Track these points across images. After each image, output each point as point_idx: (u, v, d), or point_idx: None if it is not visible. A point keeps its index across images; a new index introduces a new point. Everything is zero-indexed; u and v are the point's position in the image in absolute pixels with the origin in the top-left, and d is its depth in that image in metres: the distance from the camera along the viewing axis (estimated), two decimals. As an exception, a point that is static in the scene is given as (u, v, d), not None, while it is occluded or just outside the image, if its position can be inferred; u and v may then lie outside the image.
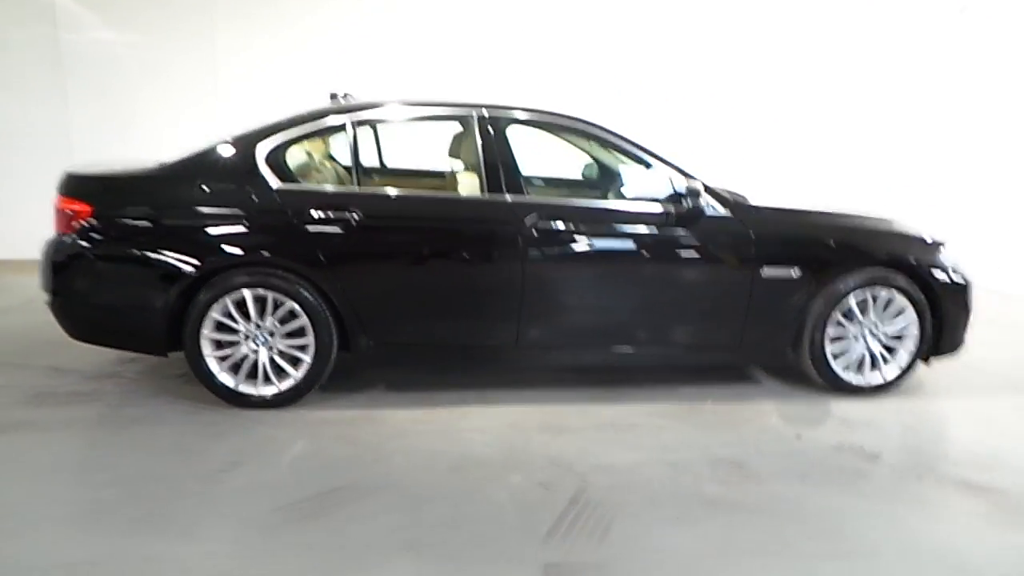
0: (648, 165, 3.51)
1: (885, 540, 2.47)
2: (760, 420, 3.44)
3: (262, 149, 3.31)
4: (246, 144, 3.33)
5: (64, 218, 3.26)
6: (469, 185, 3.53)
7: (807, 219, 3.63)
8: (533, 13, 6.60)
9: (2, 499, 2.57)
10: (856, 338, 3.67)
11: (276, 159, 3.33)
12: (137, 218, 3.23)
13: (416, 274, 3.37)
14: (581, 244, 3.38)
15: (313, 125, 3.39)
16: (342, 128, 3.42)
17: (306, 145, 3.56)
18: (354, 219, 3.24)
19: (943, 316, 3.66)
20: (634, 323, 3.55)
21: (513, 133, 3.49)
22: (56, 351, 4.06)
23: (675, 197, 3.44)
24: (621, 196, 3.57)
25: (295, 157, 3.47)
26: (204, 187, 3.26)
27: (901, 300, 3.62)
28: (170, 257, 3.20)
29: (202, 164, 3.31)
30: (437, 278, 3.39)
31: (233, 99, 6.38)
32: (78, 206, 3.22)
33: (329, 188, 3.40)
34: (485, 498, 2.68)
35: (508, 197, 3.36)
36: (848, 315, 3.62)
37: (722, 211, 3.46)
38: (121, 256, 3.26)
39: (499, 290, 3.39)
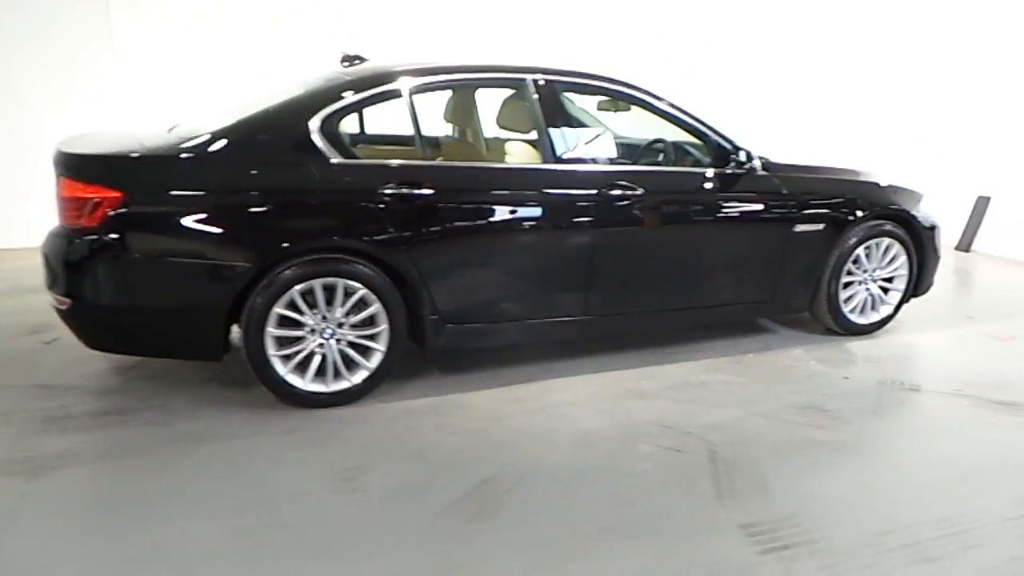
0: (695, 128, 3.59)
1: (980, 456, 2.85)
2: (802, 366, 3.74)
3: (316, 122, 2.94)
4: (296, 116, 2.96)
5: (79, 207, 2.70)
6: (526, 153, 3.41)
7: (825, 175, 3.92)
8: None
9: (132, 544, 2.15)
10: (861, 283, 4.08)
11: (331, 132, 2.98)
12: (183, 205, 2.75)
13: (489, 248, 3.21)
14: (646, 209, 3.41)
15: (368, 93, 3.07)
16: (397, 95, 3.12)
17: (357, 115, 3.22)
18: (427, 194, 3.01)
19: (923, 260, 4.16)
20: (691, 284, 3.67)
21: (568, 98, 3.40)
22: (25, 365, 3.41)
23: (724, 159, 3.57)
24: (674, 160, 3.64)
25: (347, 128, 3.12)
26: (256, 166, 2.85)
27: (896, 247, 4.06)
28: (227, 249, 2.80)
29: (250, 141, 2.89)
30: (511, 252, 3.25)
31: (132, 63, 5.53)
32: (104, 193, 2.67)
33: (397, 162, 3.10)
34: (633, 470, 2.70)
35: (577, 166, 3.30)
36: (856, 262, 4.00)
37: (763, 172, 3.64)
38: (165, 251, 2.77)
39: (570, 261, 3.34)
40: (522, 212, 3.21)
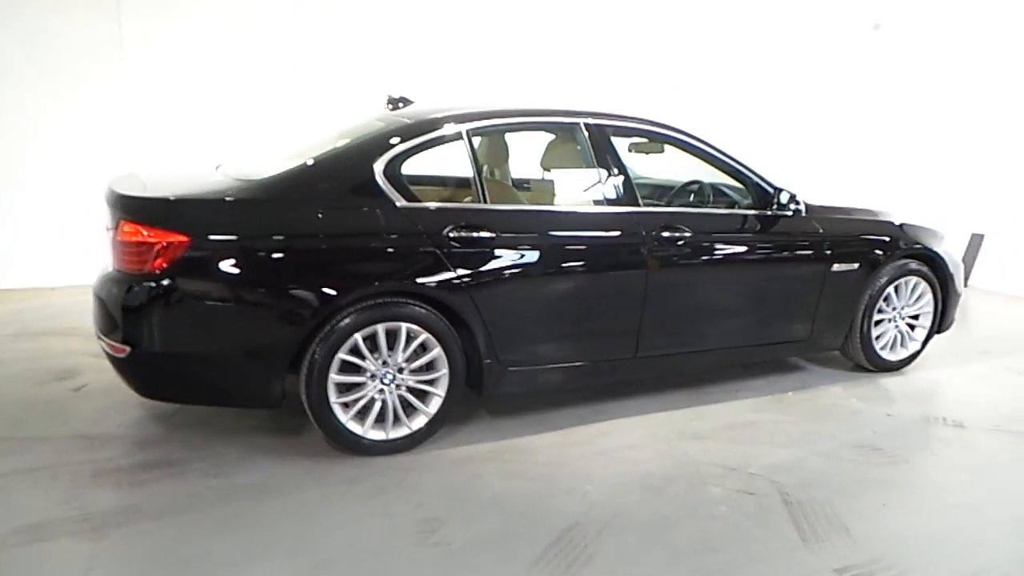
0: (737, 170, 3.66)
1: (1040, 493, 2.90)
2: (844, 404, 3.78)
3: (380, 165, 2.92)
4: (361, 159, 2.93)
5: (142, 252, 2.62)
6: (575, 196, 3.42)
7: (857, 216, 4.01)
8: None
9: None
10: (890, 320, 4.17)
11: (394, 175, 2.96)
12: (251, 250, 2.69)
13: (546, 291, 3.20)
14: (694, 250, 3.44)
15: (429, 136, 3.06)
16: (457, 138, 3.13)
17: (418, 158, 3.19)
18: (489, 236, 3.00)
19: (946, 298, 4.27)
20: (736, 324, 3.70)
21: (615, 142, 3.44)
22: (58, 414, 3.26)
23: (765, 201, 3.64)
24: (712, 201, 3.69)
25: (408, 172, 3.10)
26: (324, 210, 2.81)
27: (923, 285, 4.17)
28: (295, 294, 2.73)
29: (316, 184, 2.86)
30: (566, 294, 3.24)
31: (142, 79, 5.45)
32: (171, 237, 2.60)
33: (461, 205, 3.09)
34: (710, 514, 2.67)
35: (630, 208, 3.33)
36: (886, 300, 4.09)
37: (804, 213, 3.72)
38: (231, 296, 2.70)
39: (624, 302, 3.34)
40: (579, 254, 3.22)
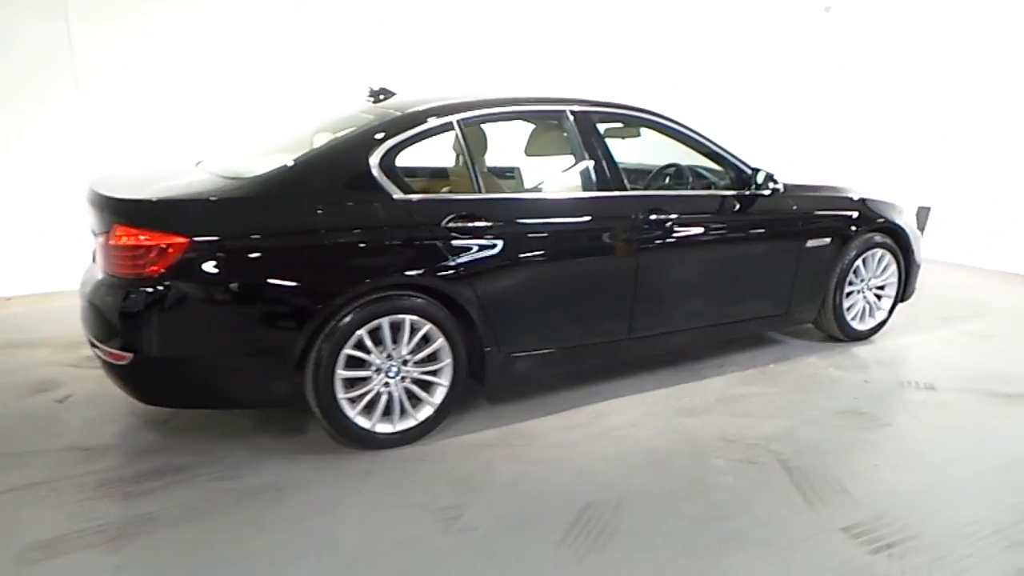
0: (716, 152, 3.77)
1: (1014, 444, 3.11)
2: (823, 373, 3.96)
3: (375, 158, 2.92)
4: (357, 153, 2.91)
5: (139, 255, 2.55)
6: (566, 183, 3.47)
7: (826, 194, 4.18)
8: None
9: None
10: (858, 292, 4.37)
11: (389, 167, 2.95)
12: (251, 248, 2.65)
13: (544, 277, 3.24)
14: (681, 232, 3.54)
15: (420, 127, 3.06)
16: (448, 128, 3.14)
17: (409, 150, 3.18)
18: (486, 226, 3.03)
19: (908, 268, 4.50)
20: (720, 301, 3.82)
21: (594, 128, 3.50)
22: (47, 426, 3.16)
23: (743, 182, 3.77)
24: (691, 183, 3.80)
25: (402, 164, 3.09)
26: (323, 205, 2.79)
27: (888, 256, 4.38)
28: (299, 290, 2.70)
29: (313, 179, 2.83)
30: (563, 279, 3.29)
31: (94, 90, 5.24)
32: (169, 239, 2.54)
33: (457, 196, 3.10)
34: (717, 485, 2.78)
35: (619, 192, 3.40)
36: (855, 273, 4.28)
37: (781, 191, 3.86)
38: (234, 296, 2.65)
39: (617, 284, 3.42)
40: (573, 239, 3.28)
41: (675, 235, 3.51)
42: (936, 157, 7.16)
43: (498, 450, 3.03)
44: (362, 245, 2.81)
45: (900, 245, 4.41)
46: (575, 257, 3.30)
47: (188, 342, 2.65)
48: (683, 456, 3.01)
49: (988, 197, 6.83)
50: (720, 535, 2.44)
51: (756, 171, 3.78)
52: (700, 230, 3.62)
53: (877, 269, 4.38)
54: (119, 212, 2.62)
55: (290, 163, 2.87)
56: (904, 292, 4.56)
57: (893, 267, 4.42)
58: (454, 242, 2.96)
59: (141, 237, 2.55)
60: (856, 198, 4.27)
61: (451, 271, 2.96)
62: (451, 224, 2.96)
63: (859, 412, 3.45)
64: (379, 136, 2.96)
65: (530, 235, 3.15)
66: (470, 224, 3.00)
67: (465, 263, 2.99)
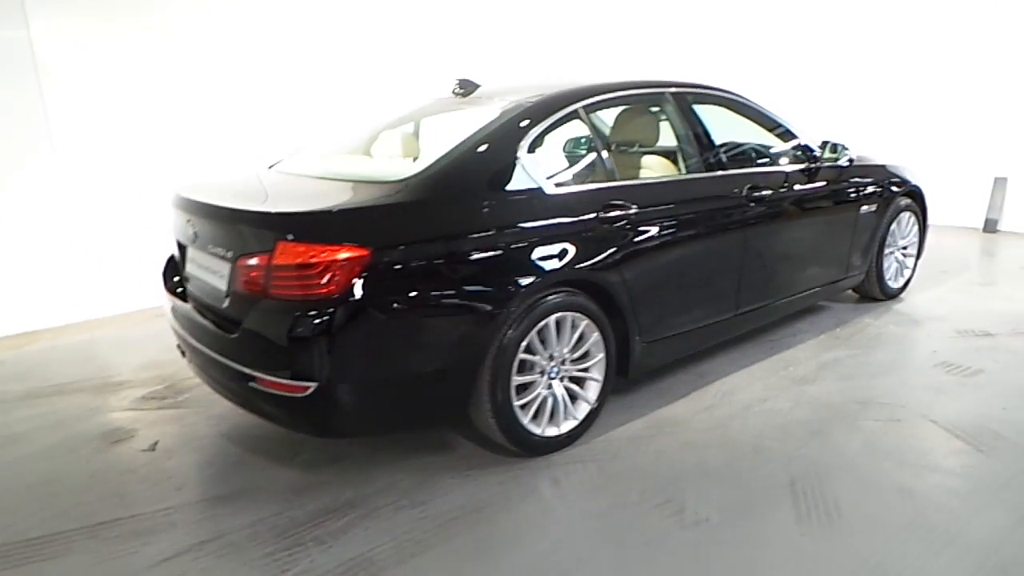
0: (784, 128, 3.90)
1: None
2: (886, 331, 4.21)
3: (522, 152, 2.77)
4: (505, 147, 2.75)
5: (315, 274, 2.27)
6: (660, 164, 3.45)
7: (867, 164, 4.40)
8: None
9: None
10: (891, 253, 4.66)
11: (535, 160, 2.81)
12: (427, 255, 2.42)
13: (675, 260, 3.20)
14: (774, 206, 3.62)
15: (557, 115, 2.93)
16: (576, 116, 3.03)
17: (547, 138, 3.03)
18: (633, 213, 2.96)
19: (923, 228, 4.86)
20: (802, 270, 3.95)
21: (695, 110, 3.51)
22: (161, 480, 2.78)
23: (808, 156, 3.91)
24: (764, 160, 3.90)
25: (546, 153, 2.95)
26: (487, 203, 2.61)
27: (912, 219, 4.70)
28: (484, 294, 2.52)
29: (470, 177, 2.64)
30: (691, 260, 3.28)
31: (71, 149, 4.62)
32: (349, 252, 2.29)
33: (602, 185, 2.98)
34: (888, 444, 2.88)
35: (726, 172, 3.43)
36: (890, 235, 4.56)
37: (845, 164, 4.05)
38: (420, 309, 2.42)
39: (729, 262, 3.46)
40: (699, 220, 3.28)
41: (770, 210, 3.59)
42: (1013, 128, 6.99)
43: (659, 439, 2.99)
44: (528, 243, 2.66)
45: (920, 207, 4.74)
46: (700, 238, 3.29)
47: (375, 364, 2.40)
48: (833, 422, 3.09)
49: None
50: (942, 484, 2.54)
51: (826, 143, 3.94)
52: (788, 203, 3.73)
53: (905, 230, 4.69)
54: (286, 227, 2.32)
55: (445, 160, 2.66)
56: (919, 250, 4.92)
57: (916, 228, 4.76)
58: (605, 232, 2.88)
59: (320, 252, 2.28)
60: (883, 165, 4.54)
61: (606, 262, 2.87)
62: (601, 214, 2.87)
63: (948, 363, 3.69)
64: (519, 130, 2.81)
65: (666, 218, 3.12)
66: (618, 212, 2.92)
67: (616, 253, 2.91)
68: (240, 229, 2.47)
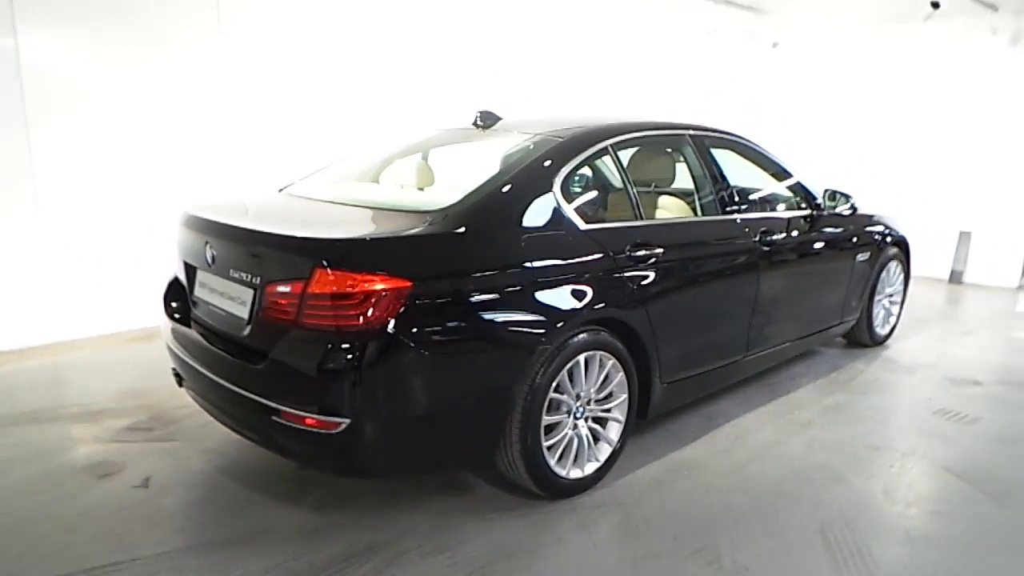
0: (788, 175, 3.97)
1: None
2: (882, 377, 4.29)
3: (556, 188, 2.73)
4: (541, 180, 2.71)
5: (356, 304, 2.16)
6: (676, 205, 3.47)
7: (862, 215, 4.51)
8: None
9: None
10: (878, 301, 4.77)
11: (568, 196, 2.78)
12: (465, 288, 2.34)
13: (695, 301, 3.19)
14: (783, 252, 3.67)
15: (588, 152, 2.92)
16: (605, 153, 3.01)
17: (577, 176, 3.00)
18: (660, 253, 2.94)
19: (907, 276, 5.00)
20: (803, 315, 4.00)
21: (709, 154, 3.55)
22: (157, 520, 2.57)
23: (811, 203, 3.99)
24: (773, 205, 3.96)
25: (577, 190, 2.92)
26: (525, 236, 2.55)
27: (900, 267, 4.84)
28: (522, 330, 2.45)
29: (508, 208, 2.58)
30: (709, 302, 3.28)
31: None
32: (391, 283, 2.19)
33: (631, 223, 2.95)
34: (909, 487, 2.89)
35: (741, 215, 3.46)
36: (879, 282, 4.67)
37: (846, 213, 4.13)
38: (462, 341, 2.33)
39: (742, 304, 3.47)
40: (719, 263, 3.29)
41: (780, 254, 3.63)
42: (977, 183, 7.31)
43: (680, 483, 2.93)
44: (562, 279, 2.60)
45: (906, 255, 4.89)
46: (718, 279, 3.30)
47: (409, 401, 2.29)
48: (850, 466, 3.09)
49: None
50: (966, 518, 2.55)
51: (830, 192, 4.02)
52: (796, 248, 3.78)
53: (892, 279, 4.82)
54: (324, 254, 2.21)
55: (481, 191, 2.60)
56: (903, 298, 5.05)
57: (902, 275, 4.89)
58: (635, 272, 2.85)
59: (362, 283, 2.17)
60: (871, 215, 4.67)
61: (635, 302, 2.84)
62: (631, 253, 2.84)
63: (946, 411, 3.76)
64: (552, 165, 2.78)
65: (689, 259, 3.12)
66: (646, 252, 2.89)
67: (642, 293, 2.88)
68: (271, 254, 2.34)
